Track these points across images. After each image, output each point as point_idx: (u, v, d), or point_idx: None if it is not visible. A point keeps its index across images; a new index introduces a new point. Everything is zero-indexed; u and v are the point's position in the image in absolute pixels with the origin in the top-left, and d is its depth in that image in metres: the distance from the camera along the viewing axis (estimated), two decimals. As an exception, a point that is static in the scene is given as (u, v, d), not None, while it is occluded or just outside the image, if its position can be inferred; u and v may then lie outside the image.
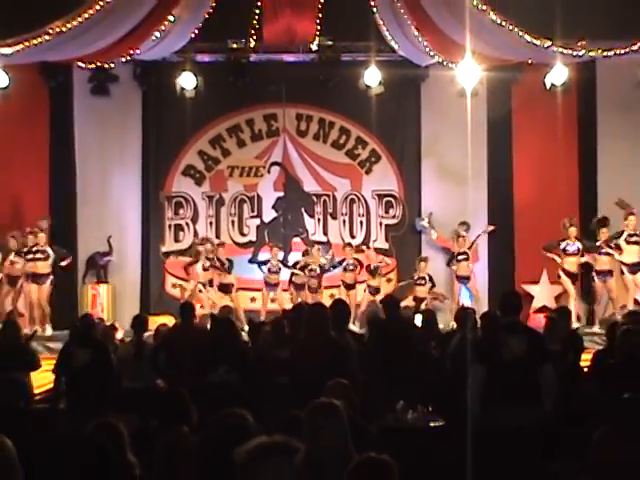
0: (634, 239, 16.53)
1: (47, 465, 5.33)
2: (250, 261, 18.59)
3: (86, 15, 15.36)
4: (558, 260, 17.03)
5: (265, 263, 17.88)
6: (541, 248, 17.24)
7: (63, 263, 16.94)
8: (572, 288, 16.89)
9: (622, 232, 16.62)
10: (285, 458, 4.22)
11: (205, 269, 17.52)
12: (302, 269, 17.65)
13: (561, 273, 17.00)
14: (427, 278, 17.50)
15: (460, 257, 17.48)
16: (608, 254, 16.73)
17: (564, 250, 16.90)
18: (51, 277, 16.88)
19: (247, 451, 4.21)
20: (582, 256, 16.91)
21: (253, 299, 18.07)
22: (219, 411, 5.60)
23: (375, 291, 17.54)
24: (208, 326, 12.27)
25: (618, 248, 16.66)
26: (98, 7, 15.26)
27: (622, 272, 16.75)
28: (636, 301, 16.98)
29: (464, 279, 17.51)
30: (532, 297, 17.57)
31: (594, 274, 16.96)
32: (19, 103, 17.36)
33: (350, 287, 17.63)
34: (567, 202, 18.12)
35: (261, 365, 9.97)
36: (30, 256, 16.68)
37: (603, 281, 16.83)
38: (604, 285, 16.83)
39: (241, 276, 18.00)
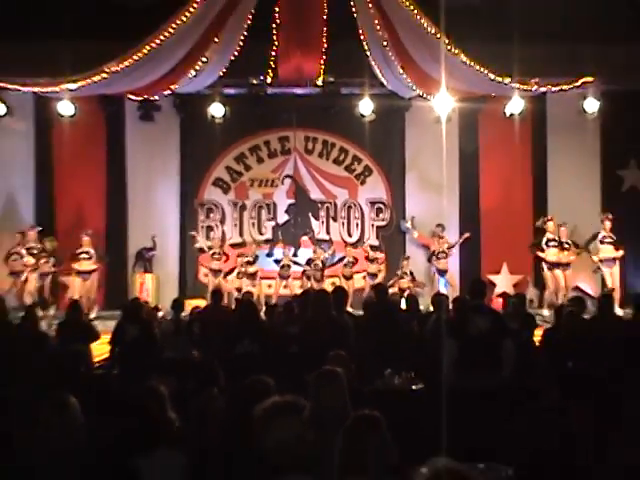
0: (608, 240, 16.59)
1: (103, 418, 5.34)
2: (268, 255, 18.63)
3: (135, 57, 15.37)
4: (543, 255, 17.07)
5: (279, 262, 18.00)
6: (527, 248, 17.46)
7: (94, 267, 17.08)
8: (550, 281, 16.97)
9: (597, 234, 16.67)
10: (294, 414, 4.23)
11: (239, 278, 17.74)
12: (308, 264, 17.78)
13: (544, 266, 17.02)
14: (409, 273, 17.57)
15: (440, 255, 17.57)
16: (567, 249, 16.89)
17: (547, 244, 16.94)
18: (95, 273, 17.04)
19: (263, 408, 4.23)
20: (562, 248, 16.99)
21: (269, 286, 18.05)
22: (245, 376, 5.61)
23: (374, 276, 17.61)
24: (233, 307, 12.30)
25: (596, 250, 16.82)
26: (145, 51, 15.29)
27: (598, 268, 16.83)
28: (578, 288, 17.01)
29: (442, 272, 17.60)
30: (494, 285, 17.58)
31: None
32: (82, 127, 17.41)
33: (348, 278, 17.76)
34: (523, 207, 18.18)
35: (275, 339, 9.97)
36: (78, 257, 16.90)
37: (563, 270, 16.92)
38: (563, 275, 16.91)
39: (260, 267, 18.03)
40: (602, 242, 16.65)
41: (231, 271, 18.16)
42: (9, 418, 6.24)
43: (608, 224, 16.57)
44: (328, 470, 4.18)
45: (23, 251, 16.71)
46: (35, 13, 14.26)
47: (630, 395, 6.42)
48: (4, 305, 11.45)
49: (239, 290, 17.40)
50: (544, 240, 16.92)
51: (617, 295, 15.81)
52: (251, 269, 17.69)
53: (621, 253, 16.57)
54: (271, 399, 4.46)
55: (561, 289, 16.71)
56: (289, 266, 17.90)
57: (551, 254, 16.89)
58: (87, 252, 16.97)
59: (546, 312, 15.92)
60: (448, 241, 17.75)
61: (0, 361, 9.10)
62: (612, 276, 16.53)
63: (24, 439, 5.05)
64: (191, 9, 15.13)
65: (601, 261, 16.65)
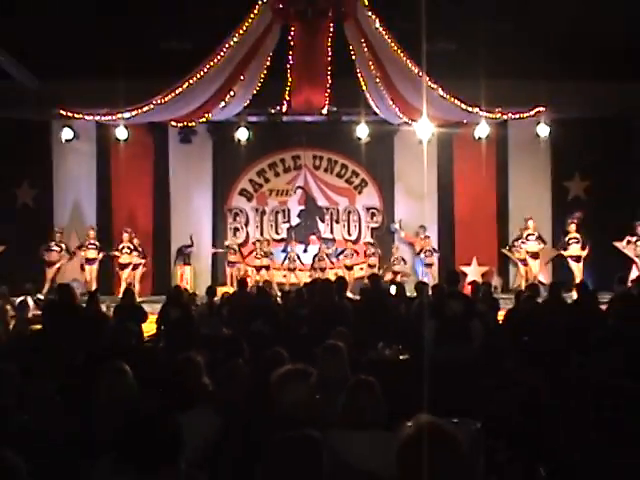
0: (574, 240, 16.64)
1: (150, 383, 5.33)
2: (283, 251, 18.63)
3: (177, 92, 15.50)
4: (517, 255, 17.31)
5: (287, 258, 18.04)
6: (501, 250, 17.79)
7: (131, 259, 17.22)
8: (536, 267, 17.05)
9: (566, 234, 16.79)
10: (303, 380, 4.23)
11: (257, 258, 17.95)
12: (314, 258, 17.83)
13: (527, 256, 17.04)
14: (400, 258, 17.68)
15: (427, 253, 17.62)
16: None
17: (527, 238, 16.97)
18: (133, 264, 17.17)
19: (278, 374, 4.22)
20: (542, 241, 17.09)
21: (284, 275, 18.08)
22: (260, 350, 5.60)
23: (373, 267, 17.64)
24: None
25: (565, 247, 16.87)
26: (185, 86, 15.38)
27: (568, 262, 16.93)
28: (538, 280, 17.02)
29: (429, 265, 17.63)
30: (466, 274, 17.55)
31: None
32: (134, 148, 17.50)
33: (349, 269, 17.77)
34: (489, 212, 18.23)
35: (289, 319, 9.97)
36: (122, 252, 17.05)
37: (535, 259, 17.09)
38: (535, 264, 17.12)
39: (275, 260, 18.10)
40: (569, 243, 16.66)
41: (250, 254, 18.30)
42: (78, 381, 6.26)
43: (573, 227, 16.63)
44: (331, 424, 4.18)
45: (63, 245, 16.85)
46: (97, 58, 14.34)
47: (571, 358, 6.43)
48: (74, 291, 11.51)
49: (258, 269, 17.53)
50: (525, 235, 16.96)
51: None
52: (266, 261, 17.81)
53: (586, 252, 16.60)
54: (285, 367, 4.47)
55: (533, 276, 16.73)
56: (294, 260, 17.97)
57: (533, 246, 16.92)
58: (128, 247, 17.05)
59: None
60: (432, 244, 17.84)
61: (71, 337, 9.13)
62: (578, 269, 16.57)
63: (90, 399, 5.07)
64: (222, 53, 15.23)
65: (570, 257, 16.69)
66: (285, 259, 18.10)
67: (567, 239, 16.71)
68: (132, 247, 17.11)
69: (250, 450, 3.06)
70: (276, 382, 4.34)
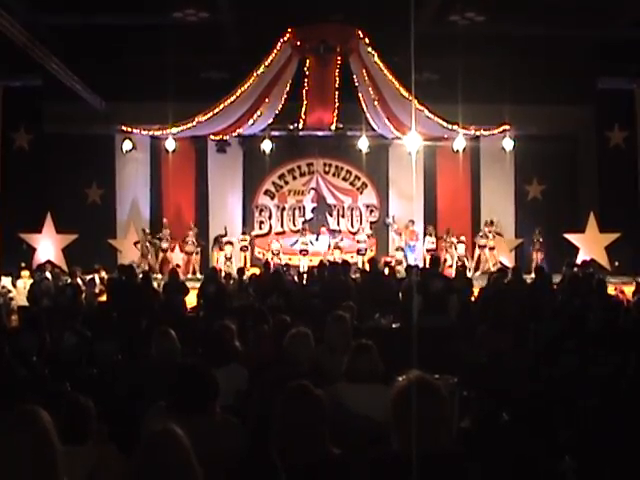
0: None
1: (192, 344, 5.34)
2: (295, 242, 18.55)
3: (214, 111, 15.64)
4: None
5: (295, 244, 17.93)
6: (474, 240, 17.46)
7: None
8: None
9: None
10: (307, 340, 4.25)
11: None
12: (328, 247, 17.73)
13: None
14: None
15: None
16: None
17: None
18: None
19: (289, 335, 4.24)
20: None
21: (298, 259, 17.99)
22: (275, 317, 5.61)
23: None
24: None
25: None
26: (221, 107, 15.53)
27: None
28: (500, 262, 16.93)
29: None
30: (445, 259, 17.47)
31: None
32: (180, 157, 17.46)
33: (362, 254, 17.55)
34: (464, 210, 18.12)
35: (298, 295, 9.99)
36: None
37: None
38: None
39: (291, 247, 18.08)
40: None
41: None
42: (136, 341, 6.30)
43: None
44: (337, 378, 4.19)
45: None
46: (151, 84, 14.50)
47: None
48: (135, 271, 11.54)
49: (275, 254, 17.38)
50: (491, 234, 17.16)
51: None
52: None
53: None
54: (294, 329, 4.52)
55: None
56: (307, 246, 17.82)
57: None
58: (192, 241, 17.21)
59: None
60: (416, 235, 17.67)
61: (131, 307, 9.19)
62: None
63: (142, 355, 5.09)
64: (250, 81, 15.37)
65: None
66: (297, 245, 17.90)
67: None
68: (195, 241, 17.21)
69: (269, 397, 3.09)
70: (288, 340, 4.39)
